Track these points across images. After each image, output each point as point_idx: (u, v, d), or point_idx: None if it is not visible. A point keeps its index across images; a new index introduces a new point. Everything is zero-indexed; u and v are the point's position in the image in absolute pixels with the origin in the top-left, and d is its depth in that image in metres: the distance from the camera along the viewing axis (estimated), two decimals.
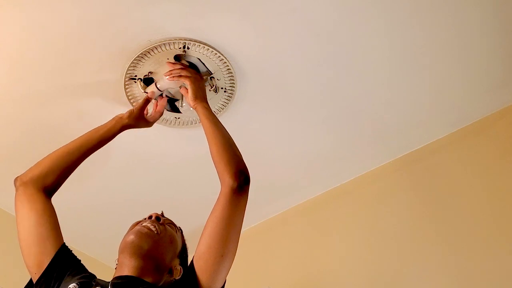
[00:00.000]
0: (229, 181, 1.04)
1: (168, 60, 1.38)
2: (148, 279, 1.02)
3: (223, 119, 1.58)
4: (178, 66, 1.37)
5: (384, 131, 1.72)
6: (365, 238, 1.74)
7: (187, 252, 1.18)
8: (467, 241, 1.54)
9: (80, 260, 1.11)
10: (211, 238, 0.99)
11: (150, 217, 1.12)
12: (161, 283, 1.06)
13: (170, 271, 1.08)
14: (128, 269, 1.02)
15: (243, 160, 1.12)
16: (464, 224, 1.57)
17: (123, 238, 1.07)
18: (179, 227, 1.19)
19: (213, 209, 1.04)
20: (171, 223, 1.16)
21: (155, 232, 1.07)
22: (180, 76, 1.34)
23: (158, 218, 1.11)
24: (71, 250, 1.11)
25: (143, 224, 1.08)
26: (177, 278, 1.08)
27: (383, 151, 1.80)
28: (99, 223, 1.97)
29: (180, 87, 1.43)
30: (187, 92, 1.33)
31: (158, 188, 1.86)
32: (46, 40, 1.32)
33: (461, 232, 1.56)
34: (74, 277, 1.03)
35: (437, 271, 1.54)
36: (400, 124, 1.70)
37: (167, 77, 1.36)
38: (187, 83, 1.32)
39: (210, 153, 1.14)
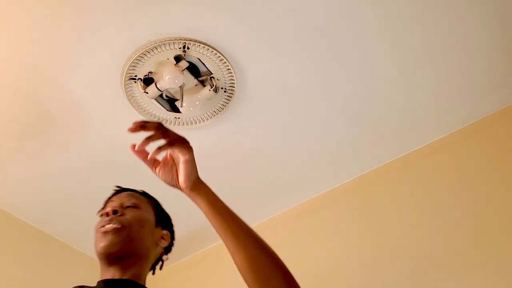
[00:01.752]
0: None
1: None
2: (135, 270, 0.97)
3: (223, 119, 1.58)
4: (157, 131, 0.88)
5: (384, 131, 1.71)
6: (365, 238, 1.74)
7: (165, 214, 1.13)
8: (467, 241, 1.53)
9: None
10: None
11: (107, 214, 0.99)
12: (150, 256, 1.01)
13: (157, 244, 1.04)
14: (112, 274, 0.95)
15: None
16: (464, 224, 1.57)
17: (95, 243, 0.97)
18: (150, 197, 1.13)
19: None
20: (134, 203, 1.05)
21: (119, 227, 0.96)
22: (173, 145, 0.89)
23: (115, 211, 0.99)
24: None
25: (105, 226, 0.97)
26: (168, 244, 1.05)
27: (383, 151, 1.80)
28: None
29: (180, 87, 1.43)
30: (179, 168, 0.92)
31: (157, 187, 1.85)
32: (46, 40, 1.33)
33: (461, 232, 1.56)
34: None
35: (437, 270, 1.54)
36: (400, 124, 1.70)
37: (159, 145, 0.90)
38: (187, 154, 0.91)
39: (236, 262, 0.85)
